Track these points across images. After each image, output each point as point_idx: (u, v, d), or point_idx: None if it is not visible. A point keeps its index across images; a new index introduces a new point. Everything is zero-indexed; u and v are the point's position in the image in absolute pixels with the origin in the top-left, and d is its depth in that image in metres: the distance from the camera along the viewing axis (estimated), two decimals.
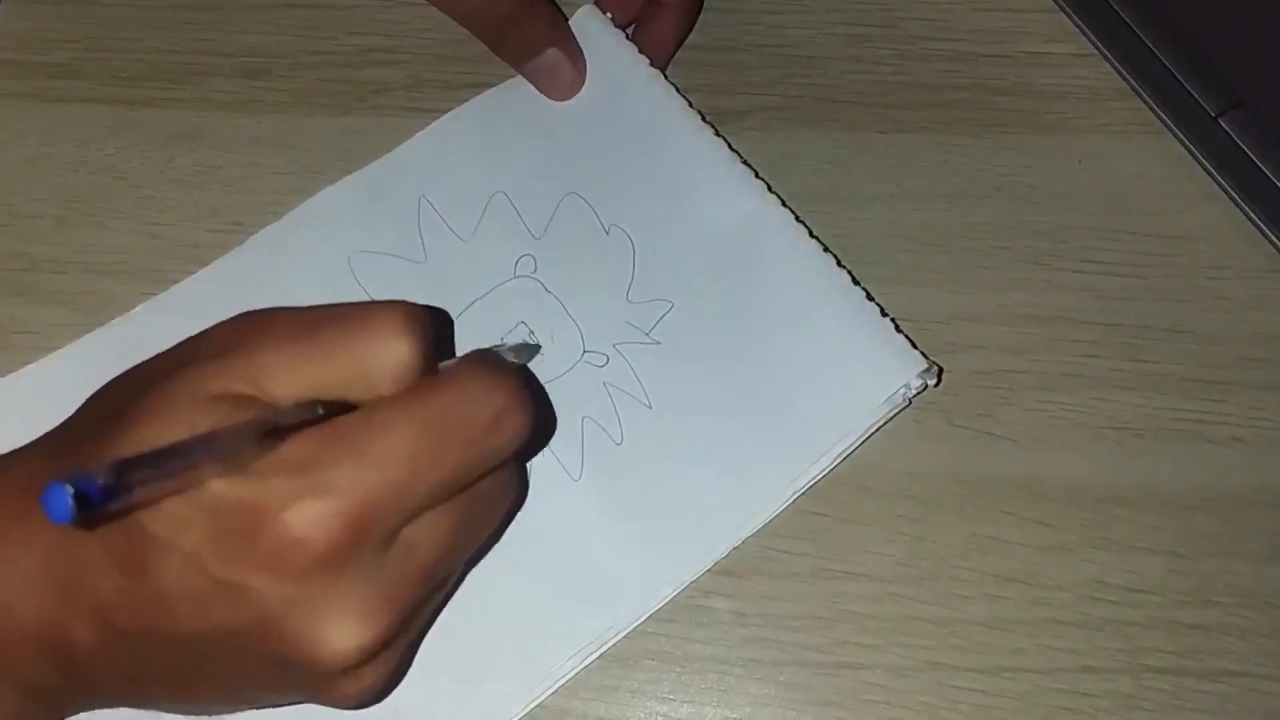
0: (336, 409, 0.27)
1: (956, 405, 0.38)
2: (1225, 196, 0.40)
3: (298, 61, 0.44)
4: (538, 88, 0.41)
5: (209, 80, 0.43)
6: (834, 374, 0.37)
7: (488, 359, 0.30)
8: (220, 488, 0.25)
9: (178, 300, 0.39)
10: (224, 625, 0.26)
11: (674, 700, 0.35)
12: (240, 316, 0.29)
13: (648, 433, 0.37)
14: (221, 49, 0.44)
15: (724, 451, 0.36)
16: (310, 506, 0.25)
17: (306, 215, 0.40)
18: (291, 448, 0.26)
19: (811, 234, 0.39)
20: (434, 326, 0.29)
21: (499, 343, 0.37)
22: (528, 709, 0.34)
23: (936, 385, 0.37)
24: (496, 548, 0.35)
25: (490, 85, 0.42)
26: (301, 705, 0.30)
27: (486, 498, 0.30)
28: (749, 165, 0.40)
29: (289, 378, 0.27)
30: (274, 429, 0.25)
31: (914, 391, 0.37)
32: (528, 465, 0.37)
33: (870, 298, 0.38)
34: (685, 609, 0.36)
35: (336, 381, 0.27)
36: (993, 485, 0.37)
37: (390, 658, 0.29)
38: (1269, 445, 0.37)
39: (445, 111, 0.42)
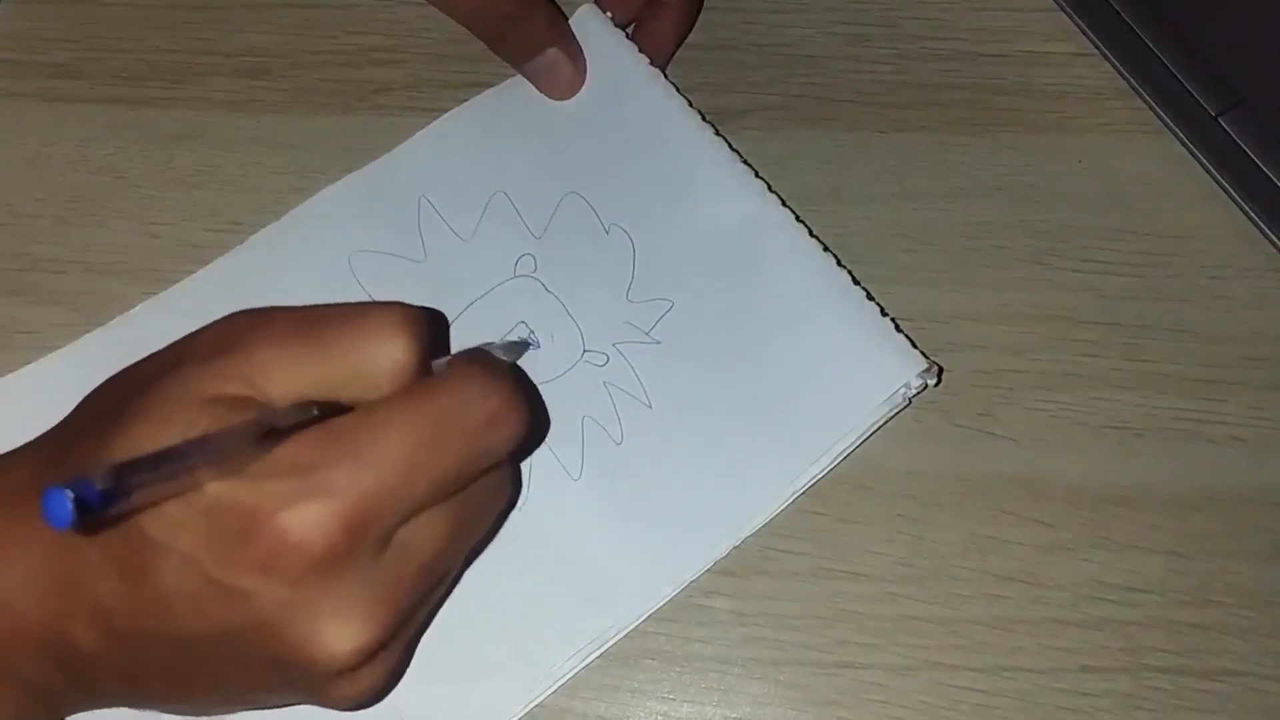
0: (331, 410, 0.27)
1: (956, 405, 0.38)
2: (1225, 196, 0.40)
3: (298, 61, 0.44)
4: (538, 87, 0.41)
5: (209, 80, 0.43)
6: (834, 373, 0.37)
7: (481, 359, 0.30)
8: (217, 490, 0.25)
9: (178, 300, 0.39)
10: (222, 627, 0.26)
11: (674, 700, 0.35)
12: (236, 315, 0.29)
13: (648, 432, 0.37)
14: (221, 48, 0.44)
15: (724, 451, 0.36)
16: (307, 509, 0.25)
17: (306, 215, 0.40)
18: (288, 449, 0.26)
19: (811, 233, 0.39)
20: (430, 327, 0.29)
21: (489, 341, 0.36)
22: (528, 708, 0.34)
23: (936, 385, 0.37)
24: (497, 547, 0.35)
25: (490, 85, 0.42)
26: (301, 706, 0.30)
27: (482, 497, 0.30)
28: (749, 164, 0.40)
29: (285, 378, 0.27)
30: (270, 430, 0.25)
31: (914, 391, 0.37)
32: (528, 466, 0.37)
33: (870, 297, 0.38)
34: (685, 608, 0.36)
35: (332, 382, 0.27)
36: (993, 485, 0.37)
37: (388, 659, 0.29)
38: (1269, 445, 0.37)
39: (445, 111, 0.42)
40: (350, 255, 0.40)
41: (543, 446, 0.37)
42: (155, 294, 0.39)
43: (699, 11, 0.43)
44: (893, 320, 0.37)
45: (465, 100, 0.42)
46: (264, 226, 0.40)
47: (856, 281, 0.38)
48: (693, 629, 0.36)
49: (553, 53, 0.40)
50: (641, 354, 0.38)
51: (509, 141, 0.41)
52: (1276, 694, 0.34)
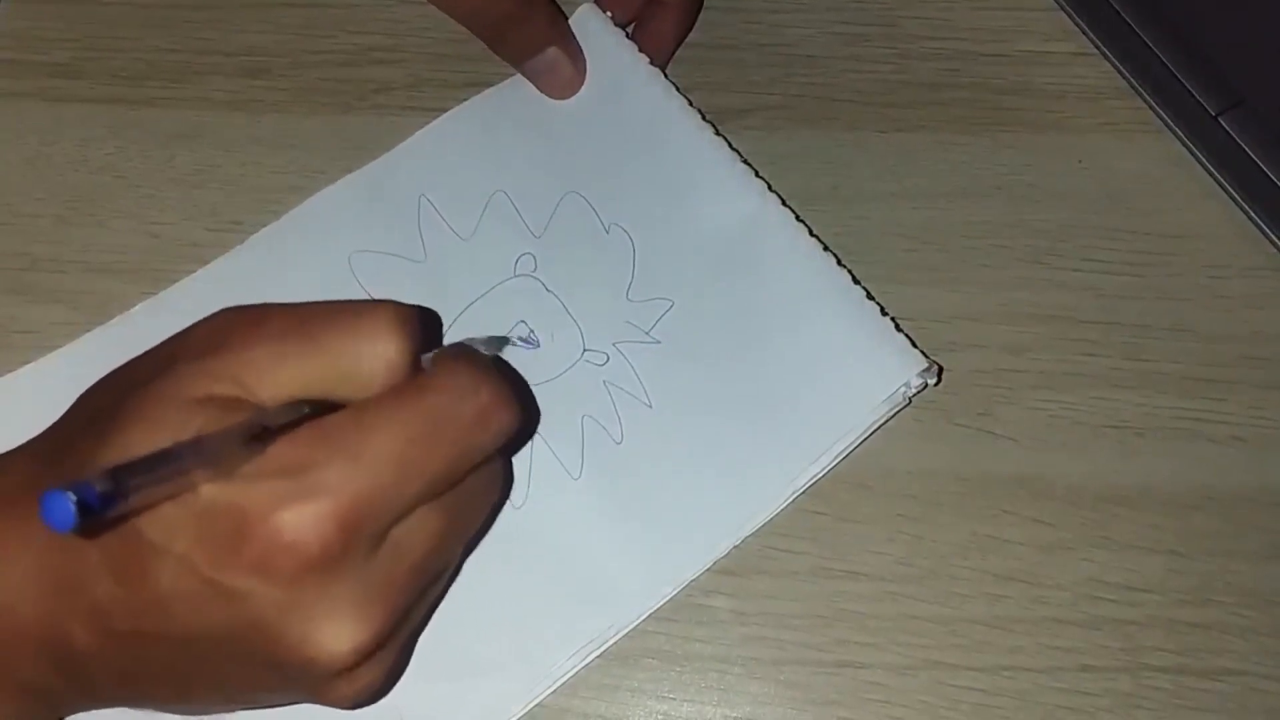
0: (323, 409, 0.27)
1: (956, 404, 0.38)
2: (1225, 195, 0.40)
3: (298, 60, 0.44)
4: (538, 87, 0.41)
5: (209, 79, 0.43)
6: (834, 373, 0.37)
7: (467, 355, 0.30)
8: (211, 491, 0.25)
9: (177, 300, 0.39)
10: (219, 628, 0.26)
11: (674, 699, 0.35)
12: (227, 312, 0.29)
13: (648, 431, 0.37)
14: (221, 48, 0.44)
15: (724, 450, 0.36)
16: (301, 509, 0.25)
17: (306, 214, 0.40)
18: (280, 450, 0.26)
19: (811, 233, 0.39)
20: (423, 326, 0.29)
21: (472, 337, 0.37)
22: (528, 708, 0.34)
23: (936, 384, 0.37)
24: (497, 547, 0.36)
25: (490, 84, 0.42)
26: (300, 705, 0.30)
27: (474, 493, 0.30)
28: (749, 164, 0.40)
29: (276, 377, 0.27)
30: (262, 430, 0.25)
31: (914, 390, 0.37)
32: (528, 465, 0.37)
33: (870, 296, 0.38)
34: (685, 608, 0.36)
35: (324, 380, 0.27)
36: (993, 484, 0.37)
37: (386, 657, 0.29)
38: (1269, 444, 0.37)
39: (445, 110, 0.42)
40: (350, 255, 0.40)
41: (543, 446, 0.37)
42: (155, 293, 0.39)
43: (699, 11, 0.43)
44: (893, 319, 0.37)
45: (465, 100, 0.42)
46: (264, 226, 0.40)
47: (856, 281, 0.38)
48: (693, 628, 0.36)
49: (552, 52, 0.40)
50: (641, 353, 0.38)
51: (509, 141, 0.41)
52: (1276, 693, 0.34)
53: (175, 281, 0.39)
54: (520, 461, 0.37)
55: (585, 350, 0.38)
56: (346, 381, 0.27)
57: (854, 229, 0.40)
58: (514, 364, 0.38)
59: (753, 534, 0.36)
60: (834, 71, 0.43)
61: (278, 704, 0.31)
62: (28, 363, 0.38)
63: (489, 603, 0.35)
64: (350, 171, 0.41)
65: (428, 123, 0.41)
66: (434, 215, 0.40)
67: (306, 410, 0.27)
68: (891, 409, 0.36)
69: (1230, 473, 0.37)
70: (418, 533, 0.28)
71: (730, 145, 0.40)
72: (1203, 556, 0.36)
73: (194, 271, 0.39)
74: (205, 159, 0.42)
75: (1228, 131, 0.40)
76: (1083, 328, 0.39)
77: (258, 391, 0.27)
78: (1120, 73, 0.42)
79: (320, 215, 0.40)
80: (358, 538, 0.26)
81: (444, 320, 0.39)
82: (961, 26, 0.44)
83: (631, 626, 0.35)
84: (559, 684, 0.35)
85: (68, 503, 0.20)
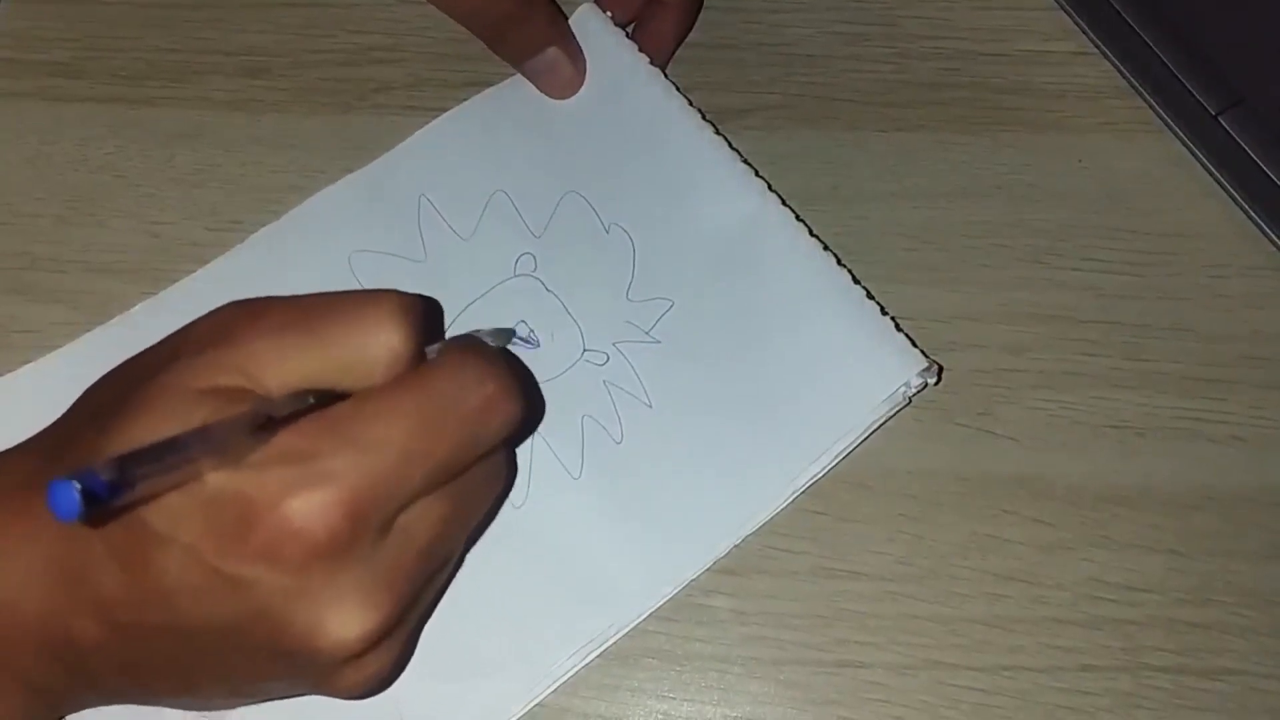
0: (327, 399, 0.27)
1: (956, 404, 0.38)
2: (1225, 195, 0.40)
3: (298, 60, 0.44)
4: (537, 86, 0.41)
5: (209, 79, 0.43)
6: (834, 372, 0.37)
7: (473, 345, 0.30)
8: (217, 481, 0.25)
9: (178, 299, 0.39)
10: (226, 618, 0.26)
11: (674, 699, 0.35)
12: (230, 306, 0.29)
13: (648, 431, 0.37)
14: (221, 47, 0.44)
15: (724, 450, 0.36)
16: (308, 497, 0.25)
17: (306, 214, 0.40)
18: (286, 438, 0.26)
19: (811, 232, 0.39)
20: (425, 315, 0.29)
21: (478, 329, 0.37)
22: (528, 707, 0.34)
23: (936, 384, 0.37)
24: (497, 546, 0.36)
25: (490, 84, 0.42)
26: (304, 698, 0.30)
27: (479, 482, 0.30)
28: (749, 164, 0.40)
29: (280, 367, 0.27)
30: (267, 420, 0.25)
31: (914, 390, 0.37)
32: (528, 465, 0.37)
33: (870, 296, 0.38)
34: (685, 607, 0.36)
35: (328, 371, 0.27)
36: (993, 484, 0.37)
37: (392, 645, 0.29)
38: (1269, 444, 0.37)
39: (445, 110, 0.42)
40: (350, 254, 0.40)
41: (543, 445, 0.37)
42: (155, 293, 0.39)
43: (699, 11, 0.43)
44: (893, 319, 0.37)
45: (465, 99, 0.42)
46: (264, 226, 0.40)
47: (856, 280, 0.38)
48: (693, 628, 0.36)
49: (552, 52, 0.40)
50: (641, 353, 0.38)
51: (509, 141, 0.41)
52: (1276, 693, 0.34)
53: (175, 281, 0.39)
54: (520, 461, 0.37)
55: (585, 350, 0.38)
56: (351, 371, 0.28)
57: (854, 229, 0.40)
58: None
59: (753, 534, 0.36)
60: (834, 71, 0.43)
61: (282, 696, 0.31)
62: (28, 362, 0.38)
63: (489, 602, 0.35)
64: (350, 171, 0.41)
65: (428, 122, 0.41)
66: (434, 215, 0.40)
67: (311, 400, 0.27)
68: (891, 409, 0.36)
69: (1230, 472, 0.37)
70: (423, 520, 0.28)
71: (730, 145, 0.40)
72: (1203, 556, 0.36)
73: (194, 271, 0.39)
74: (205, 158, 0.42)
75: (1228, 131, 0.40)
76: (1083, 327, 0.39)
77: (263, 381, 0.27)
78: (1120, 72, 0.42)
79: (320, 215, 0.40)
80: (364, 525, 0.26)
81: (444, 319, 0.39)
82: (961, 26, 0.44)
83: (631, 626, 0.35)
84: (559, 683, 0.35)
85: (73, 492, 0.20)
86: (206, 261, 0.40)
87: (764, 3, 0.44)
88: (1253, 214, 0.39)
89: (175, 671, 0.29)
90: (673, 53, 0.43)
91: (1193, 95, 0.40)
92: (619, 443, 0.37)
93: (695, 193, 0.40)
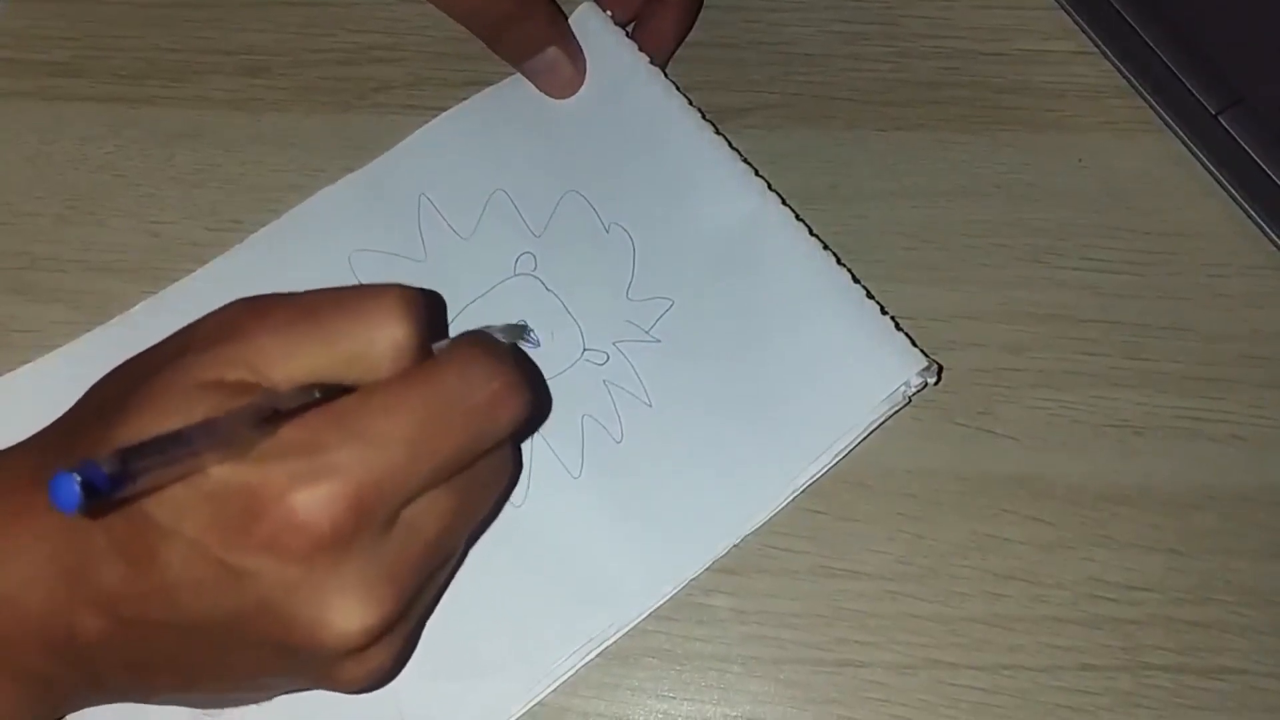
0: (333, 393, 0.27)
1: (956, 403, 0.38)
2: (1225, 194, 0.40)
3: (297, 59, 0.44)
4: (537, 86, 0.41)
5: (209, 78, 0.43)
6: (834, 372, 0.37)
7: (482, 340, 0.30)
8: (222, 473, 0.25)
9: (178, 298, 0.39)
10: (229, 611, 0.26)
11: (674, 698, 0.35)
12: (235, 303, 0.29)
13: (648, 431, 0.37)
14: (221, 47, 0.44)
15: (724, 449, 0.36)
16: (313, 489, 0.25)
17: (306, 213, 0.40)
18: (291, 431, 0.26)
19: (811, 232, 0.38)
20: (429, 309, 0.29)
21: (489, 325, 0.37)
22: (528, 707, 0.34)
23: (936, 383, 0.37)
24: (498, 546, 0.36)
25: (490, 83, 0.42)
26: (305, 696, 0.30)
27: (484, 478, 0.30)
28: (749, 163, 0.40)
29: (286, 362, 0.27)
30: (272, 414, 0.25)
31: (914, 389, 0.36)
32: (528, 465, 0.37)
33: (870, 295, 0.38)
34: (685, 607, 0.36)
35: (333, 365, 0.27)
36: (993, 483, 0.37)
37: (395, 640, 0.29)
38: (1269, 443, 0.37)
39: (445, 109, 0.42)
40: (350, 254, 0.40)
41: (543, 445, 0.37)
42: (155, 293, 0.39)
43: (699, 10, 0.43)
44: (892, 318, 0.37)
45: (465, 99, 0.42)
46: (264, 225, 0.40)
47: (856, 280, 0.38)
48: (693, 627, 0.36)
49: (552, 51, 0.40)
50: (641, 352, 0.38)
51: (509, 140, 0.41)
52: (1277, 692, 0.34)
53: (175, 280, 0.39)
54: None
55: (585, 349, 0.38)
56: (356, 365, 0.28)
57: (853, 228, 0.40)
58: None
59: (753, 533, 0.36)
60: (833, 70, 0.43)
61: (284, 691, 0.31)
62: (28, 362, 0.38)
63: (489, 602, 0.35)
64: (350, 170, 0.41)
65: (428, 122, 0.41)
66: (434, 214, 0.40)
67: (317, 395, 0.27)
68: (891, 408, 0.36)
69: (1230, 471, 0.37)
70: (428, 515, 0.28)
71: (730, 144, 0.40)
72: (1203, 555, 0.36)
73: (194, 271, 0.39)
74: (205, 158, 0.42)
75: (1228, 130, 0.40)
76: (1083, 326, 0.39)
77: (269, 376, 0.27)
78: (1120, 71, 0.42)
79: (320, 214, 0.40)
80: (369, 518, 0.26)
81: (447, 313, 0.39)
82: (961, 25, 0.44)
83: (631, 625, 0.35)
84: (559, 683, 0.35)
85: (73, 483, 0.20)
86: (206, 261, 0.40)
87: (764, 2, 0.44)
88: (1252, 213, 0.39)
89: (178, 667, 0.29)
90: (673, 52, 0.43)
91: (1193, 94, 0.40)
92: (619, 442, 0.37)
93: (695, 192, 0.40)
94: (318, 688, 0.29)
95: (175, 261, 0.40)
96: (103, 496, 0.21)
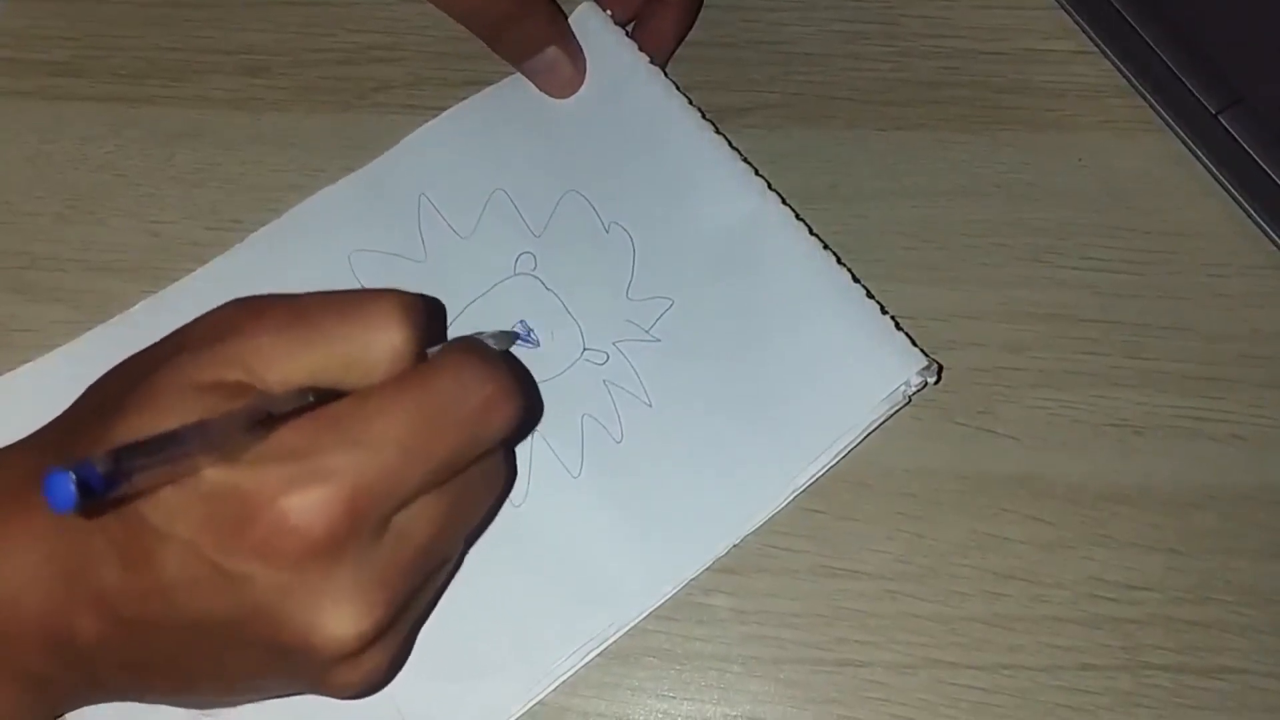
0: (328, 396, 0.27)
1: (956, 402, 0.38)
2: (1225, 193, 0.40)
3: (298, 59, 0.44)
4: (537, 85, 0.41)
5: (209, 78, 0.43)
6: (834, 371, 0.37)
7: (475, 346, 0.30)
8: (216, 476, 0.25)
9: (178, 298, 0.39)
10: (225, 612, 0.26)
11: (674, 698, 0.35)
12: (233, 303, 0.29)
13: (648, 430, 0.37)
14: (221, 46, 0.44)
15: (724, 449, 0.36)
16: (306, 494, 0.25)
17: (306, 213, 0.40)
18: (285, 435, 0.26)
19: (811, 231, 0.38)
20: (427, 314, 0.29)
21: (480, 331, 0.37)
22: (528, 706, 0.34)
23: (936, 382, 0.37)
24: (497, 546, 0.36)
25: (490, 83, 0.42)
26: (305, 699, 0.30)
27: (477, 483, 0.30)
28: (748, 162, 0.40)
29: (282, 364, 0.27)
30: (267, 416, 0.25)
31: (914, 389, 0.36)
32: (528, 464, 0.37)
33: (870, 295, 0.37)
34: (685, 606, 0.36)
35: (329, 368, 0.27)
36: (993, 482, 0.37)
37: (389, 644, 0.29)
38: (1269, 443, 0.37)
39: (445, 109, 0.42)
40: (350, 254, 0.40)
41: (543, 445, 0.37)
42: (155, 292, 0.39)
43: (699, 9, 0.43)
44: (892, 318, 0.37)
45: (465, 98, 0.42)
46: (264, 225, 0.40)
47: (856, 279, 0.38)
48: (693, 627, 0.36)
49: (552, 51, 0.40)
50: (641, 352, 0.38)
51: (509, 139, 0.41)
52: (1276, 691, 0.34)
53: (175, 280, 0.39)
54: (520, 460, 0.37)
55: (585, 349, 0.38)
56: (352, 369, 0.28)
57: (853, 227, 0.40)
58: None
59: (753, 532, 0.36)
60: (833, 70, 0.43)
61: (279, 694, 0.31)
62: (28, 361, 0.38)
63: (489, 602, 0.35)
64: (350, 170, 0.41)
65: (428, 121, 0.41)
66: (434, 214, 0.40)
67: (312, 398, 0.27)
68: (891, 407, 0.36)
69: (1230, 471, 0.37)
70: (420, 519, 0.28)
71: (730, 144, 0.40)
72: (1203, 555, 0.36)
73: (194, 270, 0.39)
74: (205, 157, 0.42)
75: (1228, 129, 0.40)
76: (1083, 326, 0.39)
77: (265, 377, 0.27)
78: (1120, 71, 0.42)
79: (320, 214, 0.40)
80: (362, 523, 0.26)
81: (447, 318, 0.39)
82: (961, 25, 0.44)
83: (632, 625, 0.35)
84: (559, 682, 0.35)
85: (68, 483, 0.20)
86: (206, 260, 0.40)
87: (763, 1, 0.44)
88: (1253, 213, 0.39)
89: (175, 667, 0.29)
90: (673, 52, 0.43)
91: (1193, 94, 0.40)
92: (619, 442, 0.37)
93: (695, 192, 0.39)
94: (312, 692, 0.29)
95: (175, 261, 0.40)
96: (97, 496, 0.21)
